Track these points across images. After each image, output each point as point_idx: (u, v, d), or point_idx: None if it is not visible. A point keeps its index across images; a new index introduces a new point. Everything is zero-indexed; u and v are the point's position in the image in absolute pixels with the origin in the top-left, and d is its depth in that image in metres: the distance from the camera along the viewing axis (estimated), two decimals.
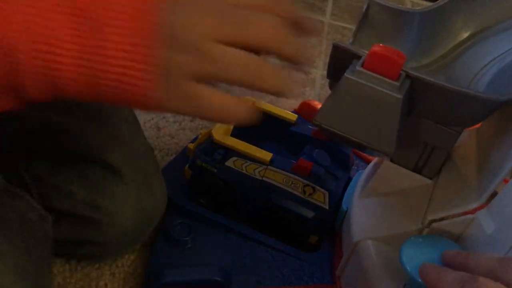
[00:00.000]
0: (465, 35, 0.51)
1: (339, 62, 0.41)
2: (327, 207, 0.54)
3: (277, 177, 0.55)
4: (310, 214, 0.54)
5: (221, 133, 0.57)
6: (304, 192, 0.54)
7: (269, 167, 0.55)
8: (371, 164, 0.55)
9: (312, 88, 0.93)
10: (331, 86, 0.45)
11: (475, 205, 0.43)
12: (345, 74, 0.39)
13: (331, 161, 0.57)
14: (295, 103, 0.86)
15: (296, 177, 0.54)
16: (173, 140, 0.73)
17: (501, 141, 0.44)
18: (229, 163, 0.56)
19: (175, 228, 0.56)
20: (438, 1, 0.49)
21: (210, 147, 0.57)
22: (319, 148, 0.57)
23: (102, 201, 0.50)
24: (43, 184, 0.50)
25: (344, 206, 0.54)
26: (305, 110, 0.72)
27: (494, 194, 0.42)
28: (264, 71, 0.34)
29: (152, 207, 0.53)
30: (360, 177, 0.55)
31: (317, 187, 0.54)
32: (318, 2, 1.22)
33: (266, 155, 0.55)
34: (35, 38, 0.29)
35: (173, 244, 0.55)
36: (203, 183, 0.58)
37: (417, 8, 0.49)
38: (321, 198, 0.54)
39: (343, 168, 0.58)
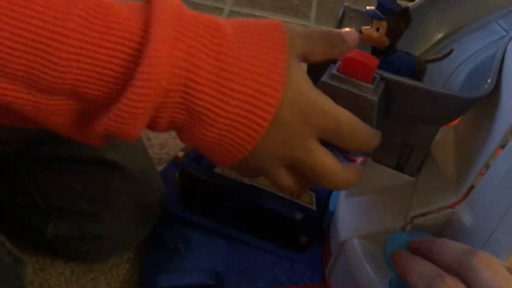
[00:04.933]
0: (440, 35, 0.53)
1: (316, 66, 0.42)
2: (314, 208, 0.55)
3: (265, 181, 0.56)
4: (298, 215, 0.56)
5: None
6: (292, 194, 0.56)
7: None
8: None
9: None
10: None
11: (454, 199, 0.44)
12: (321, 78, 0.40)
13: None
14: None
15: None
16: (163, 149, 0.74)
17: (476, 136, 0.45)
18: (218, 169, 0.57)
19: (168, 234, 0.57)
20: (412, 4, 0.50)
21: (198, 155, 0.59)
22: None
23: (102, 195, 0.52)
24: (42, 182, 0.52)
25: (331, 206, 0.56)
26: None
27: (471, 188, 0.43)
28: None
29: (150, 200, 0.55)
30: None
31: None
32: (303, 7, 1.24)
33: None
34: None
35: (167, 250, 0.56)
36: (194, 190, 0.59)
37: None
38: (308, 199, 0.55)
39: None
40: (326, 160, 0.36)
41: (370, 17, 0.42)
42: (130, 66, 0.29)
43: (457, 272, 0.32)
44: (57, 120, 0.31)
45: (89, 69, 0.29)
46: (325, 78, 0.40)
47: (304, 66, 0.37)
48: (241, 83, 0.31)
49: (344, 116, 0.35)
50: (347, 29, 0.38)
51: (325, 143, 0.37)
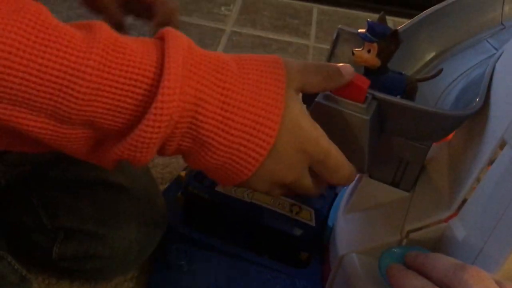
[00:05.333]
0: (432, 54, 0.54)
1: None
2: (313, 224, 0.57)
3: (265, 199, 0.58)
4: (298, 231, 0.57)
5: None
6: (292, 211, 0.57)
7: None
8: (353, 182, 0.58)
9: None
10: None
11: (447, 213, 0.45)
12: (316, 99, 0.42)
13: None
14: None
15: (283, 197, 0.57)
16: (167, 169, 0.76)
17: (468, 151, 0.46)
18: (219, 188, 0.59)
19: (171, 253, 0.59)
20: (402, 25, 0.52)
21: (200, 174, 0.60)
22: None
23: (107, 216, 0.54)
24: (49, 203, 0.54)
25: (330, 222, 0.57)
26: None
27: (464, 202, 0.44)
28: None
29: (154, 220, 0.57)
30: (344, 194, 0.58)
31: (304, 206, 0.57)
32: (303, 26, 1.27)
33: None
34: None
35: (170, 268, 0.58)
36: (195, 208, 0.61)
37: None
38: (307, 216, 0.57)
39: (329, 186, 0.61)
40: (309, 182, 0.40)
41: (362, 39, 0.44)
42: (144, 100, 0.32)
43: (448, 287, 0.33)
44: (74, 146, 0.34)
45: (106, 103, 0.31)
46: (319, 98, 0.42)
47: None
48: (243, 116, 0.34)
49: (334, 151, 0.39)
50: (343, 64, 0.40)
51: None
